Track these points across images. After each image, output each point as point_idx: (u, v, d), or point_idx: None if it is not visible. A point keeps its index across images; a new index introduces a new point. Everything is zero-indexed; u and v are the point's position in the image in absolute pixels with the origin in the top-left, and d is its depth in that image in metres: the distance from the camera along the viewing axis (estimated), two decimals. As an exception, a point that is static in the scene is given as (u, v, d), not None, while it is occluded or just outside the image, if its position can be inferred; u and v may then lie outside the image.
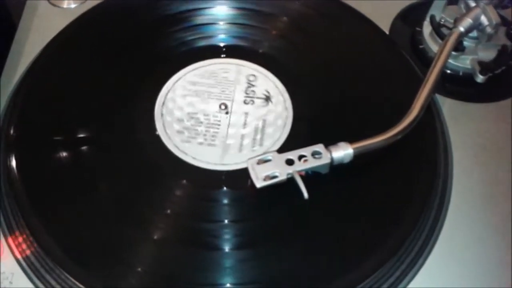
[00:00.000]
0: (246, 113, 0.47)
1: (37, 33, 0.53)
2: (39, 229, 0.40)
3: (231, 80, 0.49)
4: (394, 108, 0.46)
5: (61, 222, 0.40)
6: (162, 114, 0.46)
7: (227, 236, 0.40)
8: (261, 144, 0.45)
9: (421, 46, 0.53)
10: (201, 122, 0.46)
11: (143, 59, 0.50)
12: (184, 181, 0.43)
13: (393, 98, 0.47)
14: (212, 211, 0.41)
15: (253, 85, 0.48)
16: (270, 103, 0.47)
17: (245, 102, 0.47)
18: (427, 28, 0.53)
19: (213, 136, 0.45)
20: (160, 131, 0.45)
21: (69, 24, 0.52)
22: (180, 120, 0.46)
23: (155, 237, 0.40)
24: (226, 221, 0.41)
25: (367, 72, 0.49)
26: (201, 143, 0.45)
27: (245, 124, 0.46)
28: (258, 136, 0.45)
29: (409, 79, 0.49)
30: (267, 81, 0.49)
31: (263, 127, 0.46)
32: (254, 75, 0.49)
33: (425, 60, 0.52)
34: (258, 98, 0.47)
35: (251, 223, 0.41)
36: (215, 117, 0.46)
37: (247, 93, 0.48)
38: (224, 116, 0.46)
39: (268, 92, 0.48)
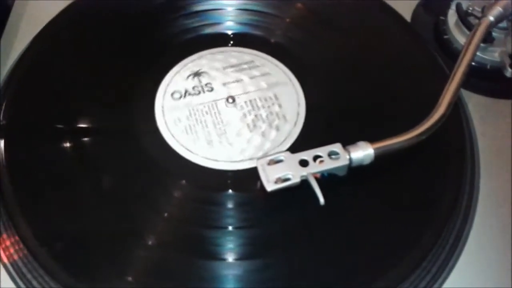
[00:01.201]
0: (253, 106, 0.43)
1: (31, 18, 0.50)
2: (27, 232, 0.36)
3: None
4: (417, 105, 0.42)
5: (49, 224, 0.37)
6: (162, 107, 0.42)
7: (231, 245, 0.36)
8: (264, 139, 0.41)
9: (445, 37, 0.49)
10: (206, 112, 0.42)
11: (144, 47, 0.46)
12: (184, 182, 0.39)
13: (416, 93, 0.43)
14: (215, 216, 0.38)
15: (264, 74, 0.44)
16: (279, 100, 0.43)
17: (256, 104, 0.43)
18: (452, 17, 0.49)
19: (215, 127, 0.42)
20: (160, 123, 0.42)
21: (64, 9, 0.48)
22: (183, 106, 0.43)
23: (150, 242, 0.36)
24: (230, 227, 0.37)
25: (388, 65, 0.45)
26: (190, 128, 0.41)
27: (247, 117, 0.42)
28: (263, 129, 0.41)
29: (434, 72, 0.45)
30: (279, 73, 0.45)
31: (271, 122, 0.42)
32: (266, 71, 0.44)
33: (450, 51, 0.48)
34: (267, 90, 0.43)
35: (260, 230, 0.37)
36: (220, 108, 0.43)
37: (265, 99, 0.43)
38: (230, 108, 0.43)
39: (277, 84, 0.44)
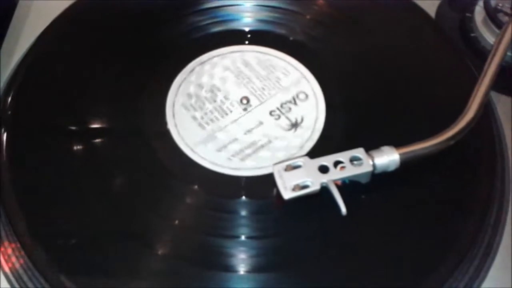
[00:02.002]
0: (261, 123, 0.40)
1: (36, 16, 0.48)
2: (27, 239, 0.34)
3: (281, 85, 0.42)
4: (443, 107, 0.40)
5: (51, 229, 0.35)
6: (173, 108, 0.40)
7: (243, 255, 0.34)
8: (242, 159, 0.38)
9: (472, 35, 0.46)
10: (215, 101, 0.40)
11: (154, 46, 0.43)
12: (195, 187, 0.36)
13: (442, 95, 0.41)
14: (227, 225, 0.35)
15: (295, 103, 0.41)
16: (292, 131, 0.40)
17: (270, 113, 0.40)
18: (479, 14, 0.46)
19: (210, 120, 0.39)
20: (170, 124, 0.39)
21: (69, 7, 0.45)
22: (199, 87, 0.41)
23: (160, 252, 0.34)
24: (243, 237, 0.34)
25: (413, 65, 0.42)
26: (194, 118, 0.39)
27: (248, 131, 0.39)
28: (247, 151, 0.38)
29: (461, 72, 0.42)
30: (296, 73, 0.42)
31: (262, 146, 0.39)
32: (306, 95, 0.41)
33: (477, 50, 0.45)
34: (287, 118, 0.40)
35: (275, 240, 0.34)
36: (231, 105, 0.40)
37: (282, 106, 0.40)
38: (240, 110, 0.40)
39: (301, 119, 0.40)
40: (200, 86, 0.41)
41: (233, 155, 0.38)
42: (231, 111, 0.40)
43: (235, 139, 0.39)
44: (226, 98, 0.40)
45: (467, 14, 0.47)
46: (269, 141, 0.39)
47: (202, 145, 0.38)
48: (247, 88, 0.41)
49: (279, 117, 0.40)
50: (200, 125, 0.39)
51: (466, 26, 0.47)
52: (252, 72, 0.42)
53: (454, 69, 0.42)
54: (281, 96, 0.41)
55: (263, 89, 0.41)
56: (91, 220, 0.35)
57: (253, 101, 0.40)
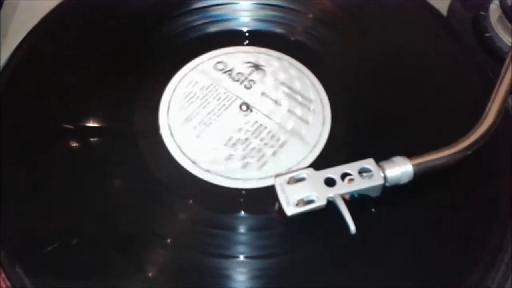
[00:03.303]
0: (265, 127, 0.37)
1: (22, 15, 0.45)
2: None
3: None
4: (457, 114, 0.37)
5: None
6: (167, 111, 0.37)
7: (242, 277, 0.31)
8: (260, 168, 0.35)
9: (487, 34, 0.43)
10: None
11: (152, 44, 0.41)
12: (189, 200, 0.34)
13: (456, 100, 0.38)
14: (224, 243, 0.32)
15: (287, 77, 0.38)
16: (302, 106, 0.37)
17: (270, 117, 0.37)
18: (495, 12, 0.43)
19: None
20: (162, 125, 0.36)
21: (59, 4, 0.42)
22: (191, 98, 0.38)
23: (150, 274, 0.31)
24: (241, 256, 0.31)
25: (424, 67, 0.39)
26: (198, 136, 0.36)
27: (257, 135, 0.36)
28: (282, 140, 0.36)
29: (477, 75, 0.39)
30: (301, 76, 0.39)
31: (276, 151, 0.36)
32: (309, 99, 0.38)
33: (492, 51, 0.43)
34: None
35: (277, 260, 0.31)
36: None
37: (290, 111, 0.37)
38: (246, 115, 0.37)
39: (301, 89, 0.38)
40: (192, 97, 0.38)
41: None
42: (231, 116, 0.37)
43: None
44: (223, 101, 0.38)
45: (481, 13, 0.44)
46: (282, 144, 0.36)
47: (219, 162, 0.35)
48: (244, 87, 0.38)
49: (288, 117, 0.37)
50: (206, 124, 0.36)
51: (480, 25, 0.44)
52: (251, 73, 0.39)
53: (469, 72, 0.39)
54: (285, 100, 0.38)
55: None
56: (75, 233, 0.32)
57: (253, 106, 0.37)
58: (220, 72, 0.39)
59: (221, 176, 0.34)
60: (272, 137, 0.36)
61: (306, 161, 0.35)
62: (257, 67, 0.39)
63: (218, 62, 0.39)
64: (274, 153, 0.35)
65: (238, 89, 0.38)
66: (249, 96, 0.38)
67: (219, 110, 0.37)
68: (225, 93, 0.38)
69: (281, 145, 0.36)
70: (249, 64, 0.39)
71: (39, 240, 0.32)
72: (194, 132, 0.36)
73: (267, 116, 0.37)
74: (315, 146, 0.36)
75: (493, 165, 0.35)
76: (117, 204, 0.33)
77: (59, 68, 0.39)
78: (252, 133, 0.36)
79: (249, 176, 0.34)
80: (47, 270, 0.31)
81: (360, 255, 0.31)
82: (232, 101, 0.37)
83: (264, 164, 0.35)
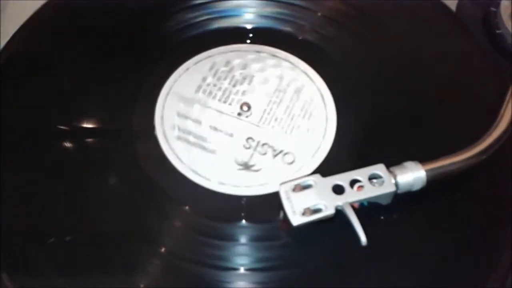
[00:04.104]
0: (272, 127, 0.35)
1: (13, 10, 0.43)
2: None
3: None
4: (471, 115, 0.35)
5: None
6: (162, 115, 0.35)
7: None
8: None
9: (498, 31, 0.41)
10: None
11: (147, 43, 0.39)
12: (186, 208, 0.32)
13: (470, 101, 0.36)
14: (223, 254, 0.30)
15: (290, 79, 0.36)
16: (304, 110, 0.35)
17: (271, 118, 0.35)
18: (506, 9, 0.41)
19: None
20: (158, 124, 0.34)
21: (47, 2, 0.40)
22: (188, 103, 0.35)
23: (142, 286, 0.29)
24: (242, 269, 0.30)
25: (436, 67, 0.37)
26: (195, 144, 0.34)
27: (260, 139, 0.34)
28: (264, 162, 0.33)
29: (488, 75, 0.37)
30: (302, 75, 0.37)
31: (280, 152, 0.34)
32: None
33: (504, 49, 0.41)
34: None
35: (281, 273, 0.29)
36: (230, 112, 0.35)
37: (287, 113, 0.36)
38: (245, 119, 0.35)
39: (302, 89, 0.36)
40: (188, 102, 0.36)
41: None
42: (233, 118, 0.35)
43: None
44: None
45: (492, 9, 0.42)
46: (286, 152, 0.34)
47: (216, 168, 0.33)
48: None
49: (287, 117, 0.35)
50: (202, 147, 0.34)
51: (490, 22, 0.42)
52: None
53: (482, 72, 0.37)
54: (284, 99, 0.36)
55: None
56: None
57: (253, 106, 0.35)
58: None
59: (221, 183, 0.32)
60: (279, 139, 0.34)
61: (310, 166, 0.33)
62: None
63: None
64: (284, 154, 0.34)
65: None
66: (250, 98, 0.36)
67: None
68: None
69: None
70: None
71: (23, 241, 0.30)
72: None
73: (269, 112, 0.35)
74: (318, 149, 0.34)
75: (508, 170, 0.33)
76: (109, 210, 0.32)
77: (51, 67, 0.37)
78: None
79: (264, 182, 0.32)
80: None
81: (371, 268, 0.29)
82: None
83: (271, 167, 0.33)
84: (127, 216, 0.31)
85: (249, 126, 0.35)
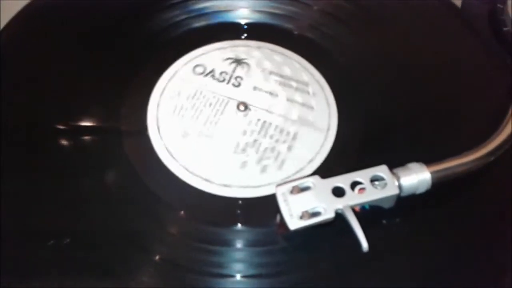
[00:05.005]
0: (268, 123, 0.33)
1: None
2: None
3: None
4: (478, 115, 0.34)
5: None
6: (157, 116, 0.33)
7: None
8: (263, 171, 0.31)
9: (505, 29, 0.40)
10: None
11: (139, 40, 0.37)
12: (180, 212, 0.30)
13: (477, 100, 0.35)
14: (219, 260, 0.29)
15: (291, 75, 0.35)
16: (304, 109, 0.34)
17: (271, 111, 0.34)
18: (514, 5, 0.40)
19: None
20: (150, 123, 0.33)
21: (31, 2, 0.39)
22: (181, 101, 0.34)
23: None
24: (238, 276, 0.28)
25: (440, 64, 0.36)
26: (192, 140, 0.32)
27: (257, 140, 0.33)
28: (269, 161, 0.32)
29: (497, 74, 0.36)
30: (304, 73, 0.35)
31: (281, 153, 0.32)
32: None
33: (510, 46, 0.39)
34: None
35: (279, 280, 0.28)
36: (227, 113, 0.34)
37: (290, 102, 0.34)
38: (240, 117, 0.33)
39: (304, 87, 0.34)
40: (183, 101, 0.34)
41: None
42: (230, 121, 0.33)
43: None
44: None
45: (499, 5, 0.41)
46: (290, 148, 0.32)
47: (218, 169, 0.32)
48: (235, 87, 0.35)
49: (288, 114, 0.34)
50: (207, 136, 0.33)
51: (497, 19, 0.41)
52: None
53: (489, 70, 0.36)
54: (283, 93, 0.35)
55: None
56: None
57: (250, 104, 0.34)
58: (201, 76, 0.35)
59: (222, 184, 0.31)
60: (281, 131, 0.33)
61: (324, 149, 0.32)
62: (238, 61, 0.36)
63: (196, 66, 0.36)
64: (289, 148, 0.32)
65: (226, 89, 0.34)
66: (242, 94, 0.34)
67: (215, 116, 0.33)
68: (214, 97, 0.34)
69: (294, 138, 0.32)
70: (229, 61, 0.36)
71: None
72: (197, 146, 0.32)
73: (268, 111, 0.34)
74: (328, 130, 0.33)
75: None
76: (100, 212, 0.30)
77: (38, 66, 0.36)
78: (259, 133, 0.33)
79: (271, 180, 0.31)
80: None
81: (372, 275, 0.28)
82: (226, 104, 0.34)
83: (283, 162, 0.31)
84: (118, 220, 0.30)
85: (253, 124, 0.33)
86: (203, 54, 0.36)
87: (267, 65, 0.36)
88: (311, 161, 0.32)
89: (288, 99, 0.34)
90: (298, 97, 0.34)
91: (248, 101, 0.34)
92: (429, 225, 0.29)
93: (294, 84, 0.35)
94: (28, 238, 0.29)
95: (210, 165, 0.31)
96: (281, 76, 0.35)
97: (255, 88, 0.35)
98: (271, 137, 0.33)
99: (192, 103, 0.34)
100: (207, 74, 0.35)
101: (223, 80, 0.35)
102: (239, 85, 0.35)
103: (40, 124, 0.33)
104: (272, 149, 0.32)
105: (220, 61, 0.36)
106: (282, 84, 0.35)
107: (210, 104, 0.34)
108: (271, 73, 0.35)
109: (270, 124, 0.33)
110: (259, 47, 0.36)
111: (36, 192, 0.30)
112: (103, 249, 0.28)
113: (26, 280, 0.27)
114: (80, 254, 0.28)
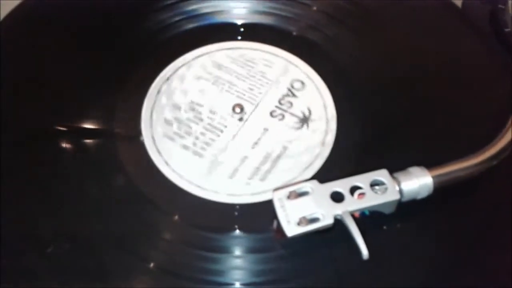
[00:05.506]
0: (266, 129, 0.32)
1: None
2: None
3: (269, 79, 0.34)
4: (481, 118, 0.33)
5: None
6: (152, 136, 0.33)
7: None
8: (262, 179, 0.30)
9: (506, 30, 0.39)
10: (201, 120, 0.32)
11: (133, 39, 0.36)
12: (175, 217, 0.29)
13: (479, 103, 0.34)
14: (216, 267, 0.28)
15: (294, 95, 0.34)
16: (305, 127, 0.33)
17: (271, 114, 0.33)
18: (515, 6, 0.39)
19: (206, 143, 0.32)
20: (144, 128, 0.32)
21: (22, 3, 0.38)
22: (176, 108, 0.33)
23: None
24: (237, 284, 0.27)
25: (441, 66, 0.35)
26: (186, 147, 0.31)
27: (255, 144, 0.32)
28: (265, 167, 0.31)
29: (500, 76, 0.35)
30: (313, 92, 0.34)
31: (279, 156, 0.31)
32: (302, 82, 0.34)
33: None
34: (292, 114, 0.33)
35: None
36: (222, 119, 0.33)
37: (280, 103, 0.33)
38: (235, 122, 0.32)
39: (309, 111, 0.33)
40: (177, 107, 0.33)
41: (250, 178, 0.30)
42: (225, 126, 0.32)
43: (244, 158, 0.31)
44: (212, 112, 0.33)
45: (500, 6, 0.40)
46: (285, 148, 0.31)
47: (212, 175, 0.31)
48: (231, 94, 0.34)
49: (283, 116, 0.33)
50: (196, 153, 0.31)
51: (498, 19, 0.40)
52: (230, 73, 0.35)
53: (491, 72, 0.35)
54: (274, 91, 0.34)
55: (251, 89, 0.34)
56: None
57: (246, 107, 0.33)
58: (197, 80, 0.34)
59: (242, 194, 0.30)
60: (278, 135, 0.32)
61: (323, 152, 0.31)
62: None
63: (193, 69, 0.35)
64: (287, 152, 0.31)
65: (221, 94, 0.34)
66: (236, 98, 0.34)
67: (211, 120, 0.33)
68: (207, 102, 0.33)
69: (291, 141, 0.32)
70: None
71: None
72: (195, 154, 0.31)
73: (266, 114, 0.33)
74: (326, 133, 0.32)
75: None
76: (93, 219, 0.29)
77: (30, 66, 0.35)
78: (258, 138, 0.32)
79: (266, 188, 0.30)
80: None
81: (373, 283, 0.27)
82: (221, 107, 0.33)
83: (280, 168, 0.31)
84: (112, 225, 0.29)
85: (244, 129, 0.32)
86: (199, 56, 0.35)
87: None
88: (309, 165, 0.31)
89: (285, 103, 0.33)
90: (295, 101, 0.33)
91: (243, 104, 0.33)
92: (431, 232, 0.29)
93: (289, 87, 0.34)
94: (22, 242, 0.28)
95: (205, 171, 0.31)
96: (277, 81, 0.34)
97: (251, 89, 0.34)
98: (268, 140, 0.32)
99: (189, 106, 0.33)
100: (204, 79, 0.34)
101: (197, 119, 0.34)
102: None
103: (29, 124, 0.33)
104: (267, 155, 0.31)
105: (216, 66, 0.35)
106: (278, 87, 0.34)
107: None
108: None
109: (267, 129, 0.32)
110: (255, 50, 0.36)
111: (27, 196, 0.30)
112: (96, 254, 0.28)
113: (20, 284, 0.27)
114: (72, 260, 0.27)
